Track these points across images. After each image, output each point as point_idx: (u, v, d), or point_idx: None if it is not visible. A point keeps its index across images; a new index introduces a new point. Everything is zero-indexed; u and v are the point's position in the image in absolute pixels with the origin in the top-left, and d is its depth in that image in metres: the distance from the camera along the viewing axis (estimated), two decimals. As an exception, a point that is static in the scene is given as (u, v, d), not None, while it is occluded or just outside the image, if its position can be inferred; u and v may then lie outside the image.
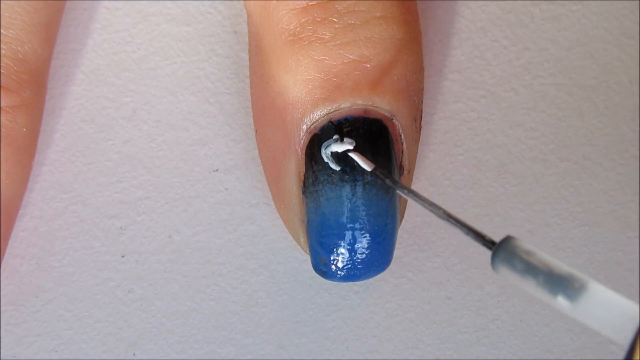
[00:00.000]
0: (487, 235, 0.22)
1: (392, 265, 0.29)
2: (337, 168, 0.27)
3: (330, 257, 0.27)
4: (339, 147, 0.26)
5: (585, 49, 0.31)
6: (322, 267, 0.28)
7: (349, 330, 0.31)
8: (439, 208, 0.24)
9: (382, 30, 0.27)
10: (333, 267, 0.27)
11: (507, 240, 0.22)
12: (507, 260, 0.21)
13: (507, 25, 0.31)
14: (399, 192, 0.26)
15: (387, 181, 0.26)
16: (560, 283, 0.20)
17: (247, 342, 0.30)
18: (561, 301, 0.20)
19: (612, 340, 0.20)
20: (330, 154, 0.27)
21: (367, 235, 0.27)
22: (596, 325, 0.20)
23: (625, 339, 0.19)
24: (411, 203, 0.30)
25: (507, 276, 0.21)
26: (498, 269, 0.21)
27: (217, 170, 0.30)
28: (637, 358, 0.19)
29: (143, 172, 0.30)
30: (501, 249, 0.21)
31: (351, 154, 0.26)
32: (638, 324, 0.19)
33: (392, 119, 0.27)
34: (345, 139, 0.27)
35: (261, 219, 0.30)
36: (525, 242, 0.21)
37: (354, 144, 0.27)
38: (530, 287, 0.21)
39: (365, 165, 0.26)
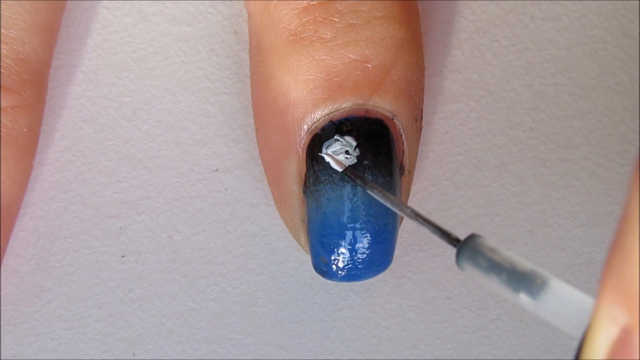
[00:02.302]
0: (452, 234, 0.23)
1: (392, 265, 0.29)
2: (338, 168, 0.27)
3: (331, 256, 0.27)
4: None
5: (585, 49, 0.31)
6: (323, 267, 0.28)
7: (349, 330, 0.31)
8: (407, 207, 0.24)
9: (383, 30, 0.27)
10: (334, 266, 0.28)
11: (471, 237, 0.22)
12: (471, 258, 0.22)
13: (507, 25, 0.31)
14: (368, 192, 0.26)
15: (358, 181, 0.26)
16: (522, 280, 0.21)
17: (247, 342, 0.30)
18: (523, 298, 0.20)
19: (573, 336, 0.20)
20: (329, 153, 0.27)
21: (368, 235, 0.27)
22: (557, 321, 0.20)
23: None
24: (411, 202, 0.30)
25: (472, 273, 0.21)
26: (463, 266, 0.22)
27: (217, 170, 0.30)
28: (587, 350, 0.19)
29: (143, 172, 0.30)
30: (465, 247, 0.22)
31: (323, 154, 0.27)
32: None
33: (393, 118, 0.27)
34: (347, 138, 0.27)
35: (261, 219, 0.30)
36: (490, 240, 0.22)
37: (355, 143, 0.27)
38: (494, 284, 0.21)
39: (336, 165, 0.26)
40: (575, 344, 0.20)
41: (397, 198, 0.25)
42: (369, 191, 0.26)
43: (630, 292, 0.18)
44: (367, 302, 0.31)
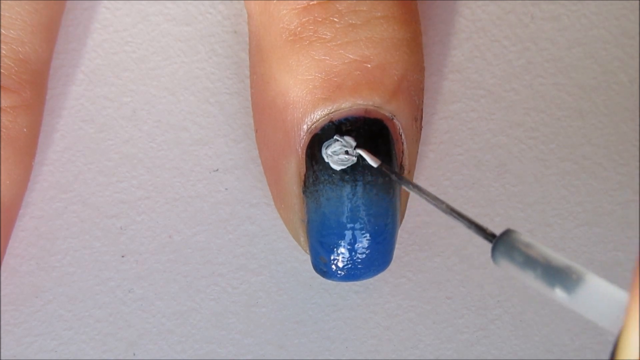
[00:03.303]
0: (488, 229, 0.23)
1: (392, 265, 0.29)
2: (337, 168, 0.27)
3: (330, 256, 0.27)
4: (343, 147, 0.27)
5: (585, 49, 0.31)
6: (323, 267, 0.28)
7: (349, 330, 0.31)
8: (442, 202, 0.24)
9: (383, 30, 0.27)
10: (333, 266, 0.28)
11: (507, 233, 0.22)
12: (506, 253, 0.22)
13: (507, 25, 0.31)
14: (404, 186, 0.26)
15: (393, 176, 0.26)
16: (558, 275, 0.21)
17: (247, 342, 0.30)
18: (559, 293, 0.20)
19: (609, 331, 0.20)
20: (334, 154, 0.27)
21: (367, 235, 0.27)
22: (593, 316, 0.20)
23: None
24: (411, 203, 0.30)
25: (507, 268, 0.22)
26: (498, 261, 0.22)
27: (217, 170, 0.30)
28: (623, 348, 0.19)
29: (143, 172, 0.30)
30: (501, 242, 0.22)
31: (359, 150, 0.27)
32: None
33: (392, 118, 0.27)
34: (346, 138, 0.27)
35: (261, 219, 0.30)
36: (525, 235, 0.22)
37: (355, 144, 0.27)
38: (530, 279, 0.21)
39: (371, 161, 0.26)
40: (610, 339, 0.20)
41: (431, 193, 0.25)
42: (404, 185, 0.26)
43: None
44: (367, 302, 0.31)
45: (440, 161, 0.31)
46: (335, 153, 0.27)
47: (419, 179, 0.31)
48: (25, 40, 0.27)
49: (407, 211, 0.30)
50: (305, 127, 0.27)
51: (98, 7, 0.29)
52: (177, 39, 0.30)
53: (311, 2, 0.26)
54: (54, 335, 0.30)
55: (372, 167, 0.27)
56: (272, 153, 0.28)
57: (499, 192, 0.31)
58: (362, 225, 0.27)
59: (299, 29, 0.27)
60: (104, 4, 0.29)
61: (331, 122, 0.27)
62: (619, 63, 0.31)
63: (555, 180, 0.31)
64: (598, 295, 0.20)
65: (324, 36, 0.26)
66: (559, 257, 0.21)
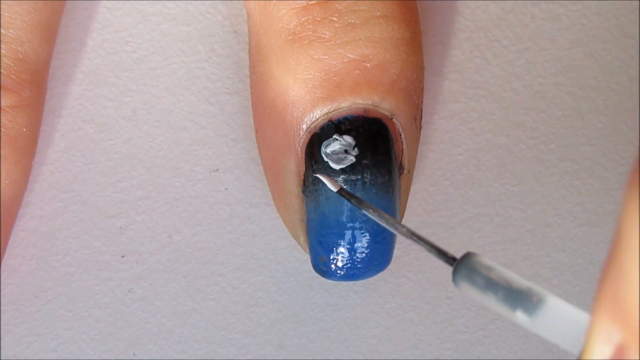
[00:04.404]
0: (448, 252, 0.23)
1: (392, 265, 0.29)
2: (337, 167, 0.27)
3: (330, 256, 0.27)
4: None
5: (585, 49, 0.31)
6: (322, 267, 0.28)
7: (349, 330, 0.31)
8: (403, 226, 0.24)
9: (383, 29, 0.27)
10: (333, 266, 0.28)
11: (467, 256, 0.22)
12: (467, 277, 0.22)
13: (507, 25, 0.31)
14: (364, 211, 0.26)
15: (353, 201, 0.26)
16: (519, 298, 0.21)
17: (247, 342, 0.30)
18: (520, 315, 0.20)
19: (571, 353, 0.20)
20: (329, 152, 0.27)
21: (367, 234, 0.27)
22: (555, 338, 0.20)
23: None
24: (411, 203, 0.30)
25: (469, 292, 0.22)
26: (459, 284, 0.22)
27: (217, 170, 0.30)
28: None
29: (143, 172, 0.30)
30: (462, 265, 0.22)
31: (318, 175, 0.27)
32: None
33: (392, 118, 0.27)
34: (346, 137, 0.27)
35: (261, 219, 0.30)
36: (486, 257, 0.22)
37: (354, 143, 0.27)
38: (491, 302, 0.21)
39: (331, 185, 0.26)
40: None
41: (392, 217, 0.25)
42: (364, 210, 0.26)
43: (625, 310, 0.18)
44: (367, 302, 0.31)
45: (440, 161, 0.31)
46: (334, 152, 0.27)
47: (419, 179, 0.31)
48: (24, 40, 0.27)
49: (407, 211, 0.30)
50: (304, 126, 0.27)
51: (98, 7, 0.29)
52: (177, 39, 0.30)
53: (310, 2, 0.26)
54: (54, 335, 0.30)
55: (371, 166, 0.27)
56: (272, 152, 0.28)
57: (499, 192, 0.31)
58: (361, 225, 0.27)
59: (298, 28, 0.27)
60: (104, 4, 0.29)
61: (330, 121, 0.27)
62: (619, 63, 0.31)
63: (555, 180, 0.31)
64: (558, 316, 0.20)
65: (323, 36, 0.26)
66: (519, 279, 0.21)
